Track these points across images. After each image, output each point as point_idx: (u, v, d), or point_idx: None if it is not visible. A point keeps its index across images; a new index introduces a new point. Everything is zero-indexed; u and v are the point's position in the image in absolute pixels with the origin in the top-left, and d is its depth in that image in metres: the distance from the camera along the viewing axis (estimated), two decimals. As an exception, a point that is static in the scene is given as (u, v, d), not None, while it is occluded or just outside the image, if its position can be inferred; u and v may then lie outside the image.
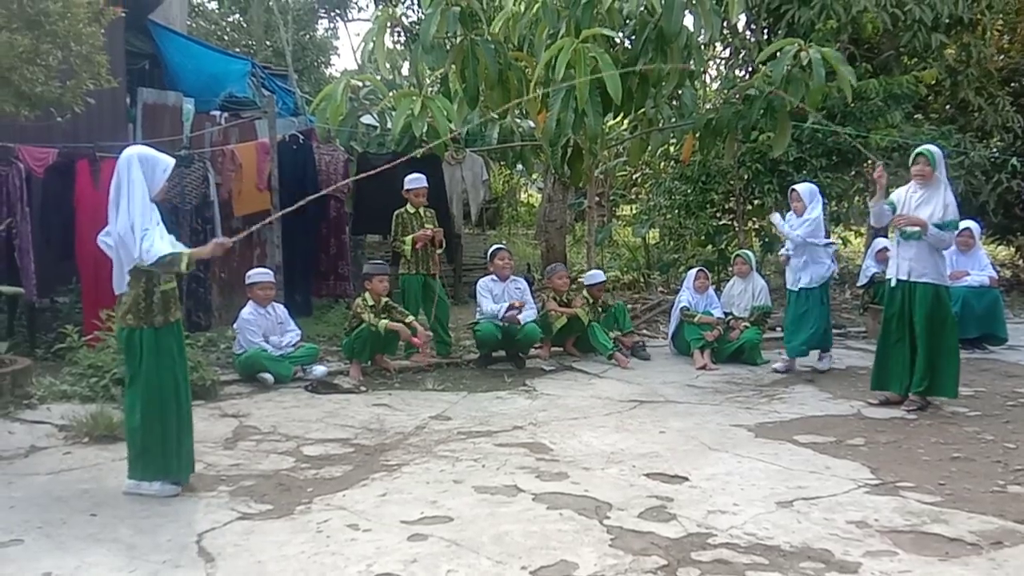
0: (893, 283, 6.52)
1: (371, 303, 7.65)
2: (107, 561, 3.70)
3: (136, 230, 4.34)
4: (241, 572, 3.57)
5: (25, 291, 7.48)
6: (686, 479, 4.85)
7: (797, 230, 7.95)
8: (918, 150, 6.50)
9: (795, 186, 8.33)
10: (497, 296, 8.28)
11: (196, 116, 9.55)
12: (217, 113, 10.01)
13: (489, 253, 8.81)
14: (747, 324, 8.65)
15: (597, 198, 11.96)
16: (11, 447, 5.35)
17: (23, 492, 4.60)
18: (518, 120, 10.52)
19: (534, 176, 19.22)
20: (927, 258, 6.34)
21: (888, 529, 4.08)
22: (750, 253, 9.20)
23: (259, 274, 7.66)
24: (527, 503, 4.44)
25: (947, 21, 12.45)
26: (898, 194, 6.57)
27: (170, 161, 4.58)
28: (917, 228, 6.27)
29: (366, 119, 10.30)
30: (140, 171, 4.43)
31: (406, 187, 8.29)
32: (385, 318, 7.56)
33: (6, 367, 6.10)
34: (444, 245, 8.59)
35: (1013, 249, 15.63)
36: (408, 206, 8.29)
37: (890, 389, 6.61)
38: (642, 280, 14.10)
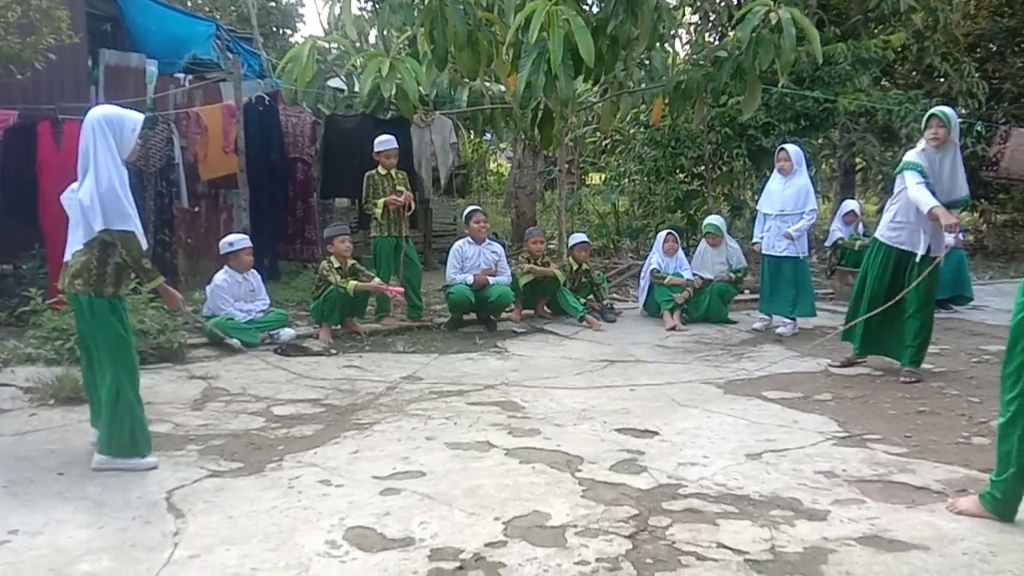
0: (892, 248, 6.22)
1: (337, 265, 7.58)
2: (75, 518, 3.65)
3: (113, 195, 4.19)
4: (212, 527, 3.54)
5: (-14, 255, 7.34)
6: (656, 433, 4.88)
7: (795, 225, 7.92)
8: (931, 111, 6.07)
9: (784, 146, 8.26)
10: (471, 259, 8.24)
11: (160, 78, 9.34)
12: (181, 75, 9.81)
13: (464, 215, 8.77)
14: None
15: (567, 165, 11.94)
16: (-26, 410, 5.26)
17: (-12, 453, 4.53)
18: (488, 83, 10.45)
19: (503, 145, 19.15)
20: (940, 233, 5.98)
21: (856, 479, 4.14)
22: (719, 222, 9.11)
23: (240, 240, 7.58)
24: (499, 458, 4.45)
25: (915, -14, 12.52)
26: (920, 160, 5.98)
27: (139, 118, 4.39)
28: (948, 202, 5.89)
29: (333, 82, 10.17)
30: (108, 132, 4.27)
31: (376, 149, 8.19)
32: (352, 279, 7.50)
33: (-32, 331, 5.99)
34: (413, 209, 8.51)
35: (977, 214, 15.85)
36: (379, 168, 8.19)
37: (867, 351, 6.47)
38: (612, 246, 14.13)
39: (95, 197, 4.17)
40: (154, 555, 3.28)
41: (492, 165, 24.18)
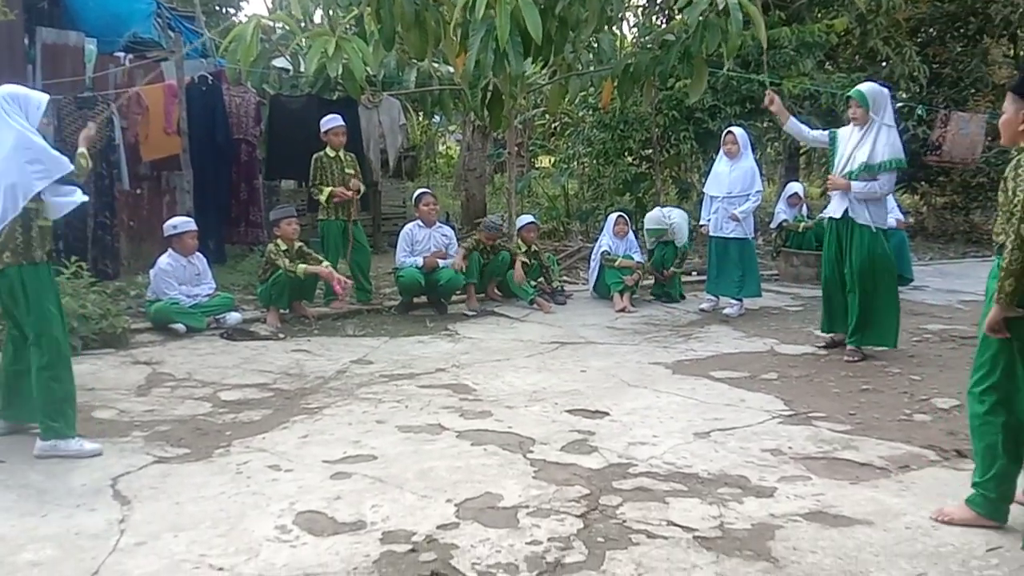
0: (828, 223, 6.39)
1: (284, 248, 7.47)
2: (18, 506, 3.58)
3: (26, 147, 4.12)
4: (159, 514, 3.48)
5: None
6: (607, 414, 4.92)
7: (741, 207, 8.01)
8: (848, 92, 6.33)
9: (731, 128, 8.37)
10: (421, 242, 8.19)
11: (99, 57, 9.07)
12: (121, 54, 9.54)
13: (414, 197, 8.70)
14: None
15: (516, 148, 11.91)
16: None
17: (-78, 443, 4.40)
18: (436, 64, 10.36)
19: (453, 127, 19.06)
20: (864, 199, 6.11)
21: (801, 456, 4.22)
22: (675, 216, 9.21)
23: (185, 222, 7.42)
24: (451, 440, 4.44)
25: (858, -30, 12.67)
26: (842, 132, 6.34)
27: (43, 97, 4.35)
28: (863, 165, 6.05)
29: (278, 62, 10.00)
30: (14, 106, 4.17)
31: (324, 128, 8.08)
32: (300, 263, 7.41)
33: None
34: (361, 192, 8.42)
35: (918, 196, 16.18)
36: (328, 149, 8.07)
37: (836, 330, 6.52)
38: (562, 229, 14.16)
39: (17, 167, 4.10)
40: (100, 543, 3.22)
41: (441, 147, 24.05)
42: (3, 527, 3.37)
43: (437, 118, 17.45)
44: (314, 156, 8.09)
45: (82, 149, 4.59)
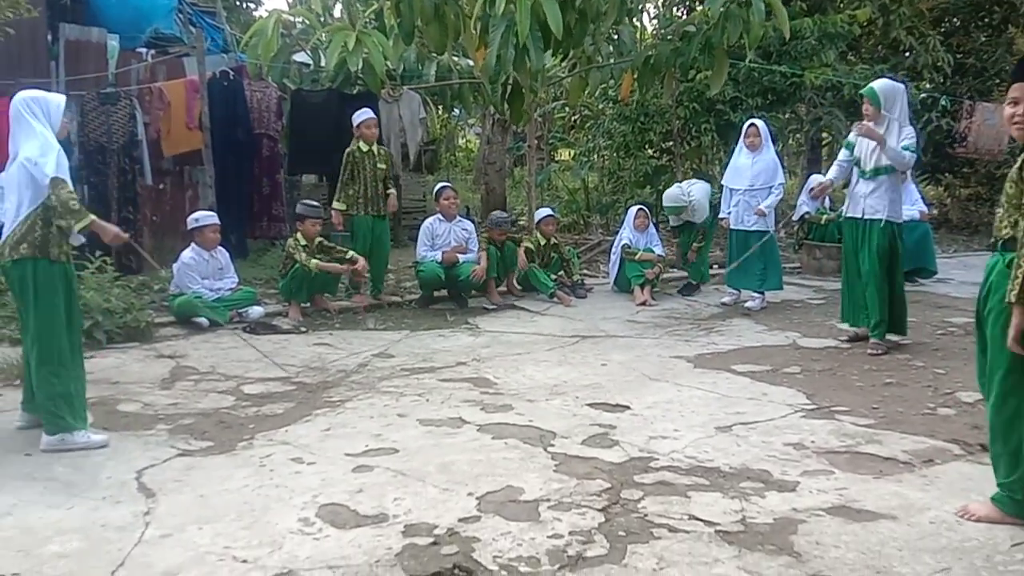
0: (849, 220, 6.42)
1: (304, 243, 7.51)
2: (44, 499, 3.62)
3: (41, 154, 4.20)
4: (183, 506, 3.52)
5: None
6: (628, 408, 4.91)
7: (765, 201, 7.97)
8: (862, 90, 6.42)
9: (753, 120, 8.29)
10: (441, 236, 8.20)
11: (121, 53, 9.15)
12: (143, 50, 9.60)
13: (435, 192, 8.71)
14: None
15: (536, 141, 11.91)
16: (-62, 391, 5.18)
17: (-48, 435, 4.46)
18: (456, 58, 10.37)
19: (472, 121, 19.05)
20: (884, 195, 6.18)
21: (824, 450, 4.19)
22: (695, 192, 9.07)
23: (207, 216, 7.48)
24: (472, 434, 4.45)
25: (881, -41, 12.54)
26: (854, 134, 6.42)
27: (61, 98, 4.46)
28: (877, 167, 6.17)
29: (299, 56, 10.03)
30: (35, 109, 4.31)
31: (356, 122, 8.01)
32: (319, 258, 7.44)
33: (-72, 311, 5.88)
34: (397, 207, 8.41)
35: (942, 188, 16.03)
36: (361, 144, 8.01)
37: (859, 324, 6.50)
38: (582, 222, 14.14)
39: (32, 157, 4.19)
40: (125, 535, 3.25)
41: (461, 141, 24.05)
42: (30, 519, 3.41)
43: (457, 112, 17.43)
44: (346, 151, 8.05)
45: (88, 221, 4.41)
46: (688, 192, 8.92)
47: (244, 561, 3.04)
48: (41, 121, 4.31)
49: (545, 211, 9.22)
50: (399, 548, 3.13)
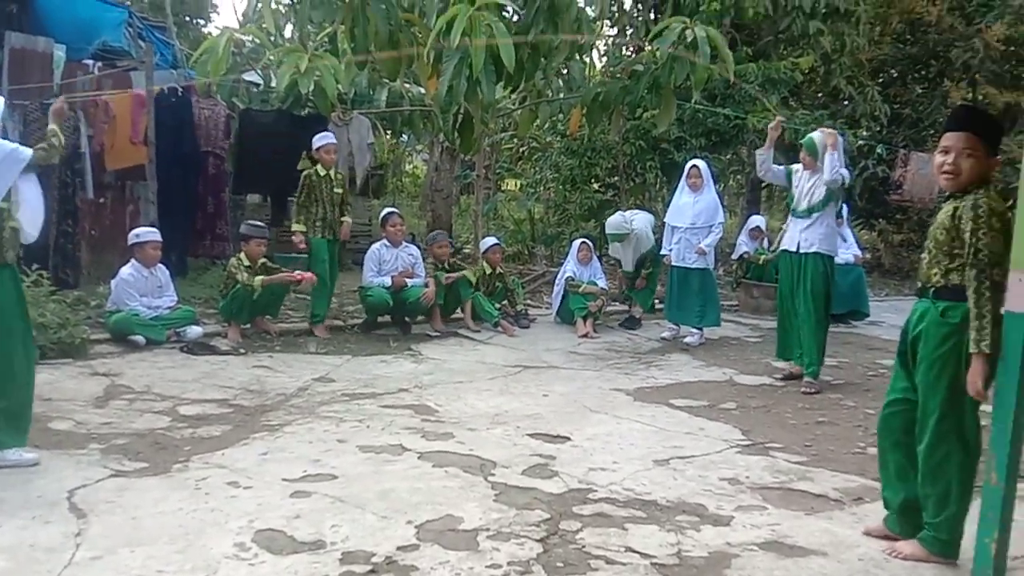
0: (785, 255, 6.70)
1: (247, 264, 7.44)
2: (-31, 518, 3.51)
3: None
4: (115, 528, 3.45)
5: None
6: (568, 439, 4.96)
7: (705, 240, 8.18)
8: (802, 140, 6.77)
9: (695, 162, 8.49)
10: (388, 262, 8.18)
11: (67, 64, 9.00)
12: (90, 62, 9.47)
13: (381, 218, 8.71)
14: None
15: (484, 170, 11.99)
16: None
17: None
18: (407, 85, 10.41)
19: (419, 147, 19.08)
20: (818, 229, 6.46)
21: (758, 486, 4.28)
22: (637, 222, 9.18)
23: (148, 233, 7.36)
24: (413, 461, 4.45)
25: (824, 10, 12.94)
26: (796, 169, 6.74)
27: (1, 100, 4.41)
28: (810, 207, 6.48)
29: (249, 75, 9.99)
30: None
31: (316, 146, 7.96)
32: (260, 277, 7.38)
33: None
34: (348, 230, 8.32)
35: (875, 233, 16.52)
36: (319, 167, 7.94)
37: (792, 360, 6.70)
38: (527, 252, 14.24)
39: None
40: (55, 556, 3.18)
41: (408, 167, 24.06)
42: (-45, 538, 3.31)
43: (405, 137, 17.48)
44: (304, 173, 7.99)
45: (52, 126, 4.52)
46: (630, 221, 9.03)
47: (177, 586, 2.99)
48: None
49: (491, 240, 9.28)
50: (336, 575, 3.11)
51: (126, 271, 7.13)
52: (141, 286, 7.15)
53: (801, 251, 6.51)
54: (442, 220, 14.27)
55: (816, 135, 6.62)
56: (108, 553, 3.22)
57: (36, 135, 7.88)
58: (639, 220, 9.09)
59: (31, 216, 4.38)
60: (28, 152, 4.22)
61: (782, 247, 6.82)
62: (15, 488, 3.86)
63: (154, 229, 7.49)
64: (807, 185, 6.57)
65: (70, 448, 4.45)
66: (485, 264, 9.00)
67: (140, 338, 6.85)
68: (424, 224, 15.41)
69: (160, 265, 7.38)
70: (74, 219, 8.23)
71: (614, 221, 9.11)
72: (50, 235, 8.01)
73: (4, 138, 4.42)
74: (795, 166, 6.80)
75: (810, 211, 6.50)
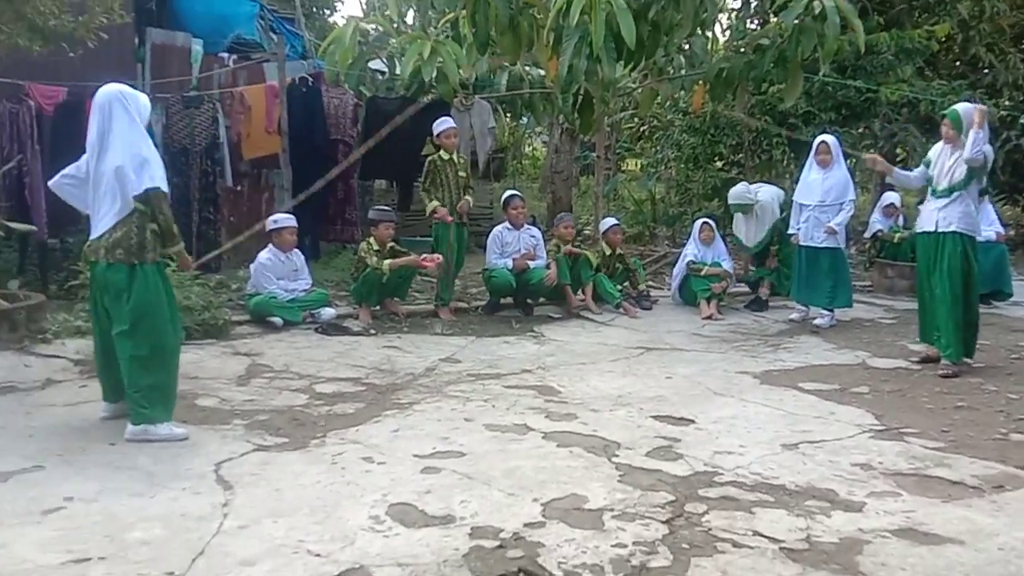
0: (922, 236, 6.40)
1: (376, 248, 7.68)
2: (128, 487, 3.78)
3: (141, 159, 4.37)
4: (259, 499, 3.65)
5: (36, 229, 7.53)
6: (692, 421, 4.93)
7: (836, 218, 7.90)
8: (944, 112, 6.41)
9: (824, 137, 8.19)
10: (510, 244, 8.28)
11: (204, 57, 9.48)
12: (225, 55, 9.93)
13: (503, 200, 8.81)
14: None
15: (604, 151, 11.95)
16: (27, 380, 5.43)
17: (41, 422, 4.69)
18: (527, 68, 10.47)
19: (539, 129, 19.15)
20: (957, 208, 6.16)
21: (892, 472, 4.15)
22: (762, 194, 8.95)
23: (285, 219, 7.69)
24: (537, 441, 4.52)
25: (962, -26, 12.30)
26: (934, 151, 6.42)
27: (146, 98, 4.64)
28: (951, 186, 6.16)
29: (374, 63, 10.24)
30: (127, 107, 4.44)
31: (436, 131, 8.09)
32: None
33: (21, 302, 6.16)
34: (470, 207, 8.32)
35: (1020, 208, 15.61)
36: (441, 152, 8.06)
37: (932, 343, 6.41)
38: (648, 233, 14.12)
39: (127, 165, 4.34)
40: (204, 525, 3.39)
41: (527, 149, 24.16)
42: (114, 506, 3.56)
43: (524, 120, 17.58)
44: (428, 159, 8.12)
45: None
46: (755, 192, 8.84)
47: (317, 555, 3.14)
48: (136, 118, 4.46)
49: (611, 221, 9.24)
50: (466, 549, 3.20)
51: (264, 256, 7.48)
52: (278, 270, 7.48)
53: (939, 230, 6.21)
54: (562, 202, 14.31)
55: (961, 107, 6.26)
56: (253, 523, 3.41)
57: (176, 127, 8.37)
58: (765, 192, 8.89)
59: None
60: (158, 184, 4.44)
61: (919, 228, 6.47)
62: (166, 461, 4.13)
63: (290, 215, 7.81)
64: (948, 163, 6.20)
65: (215, 424, 4.72)
66: (605, 245, 8.98)
67: (278, 319, 7.18)
68: (544, 206, 15.47)
69: (296, 249, 7.70)
70: (214, 206, 8.65)
71: (737, 191, 8.92)
72: (193, 221, 8.47)
73: (148, 132, 4.70)
74: (932, 149, 6.46)
75: (951, 190, 6.17)
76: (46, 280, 7.81)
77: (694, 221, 9.66)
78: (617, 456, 4.29)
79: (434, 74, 8.37)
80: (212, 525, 3.39)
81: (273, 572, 2.99)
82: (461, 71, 8.70)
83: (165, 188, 4.48)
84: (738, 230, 9.08)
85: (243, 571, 3.00)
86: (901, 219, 10.68)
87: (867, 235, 10.92)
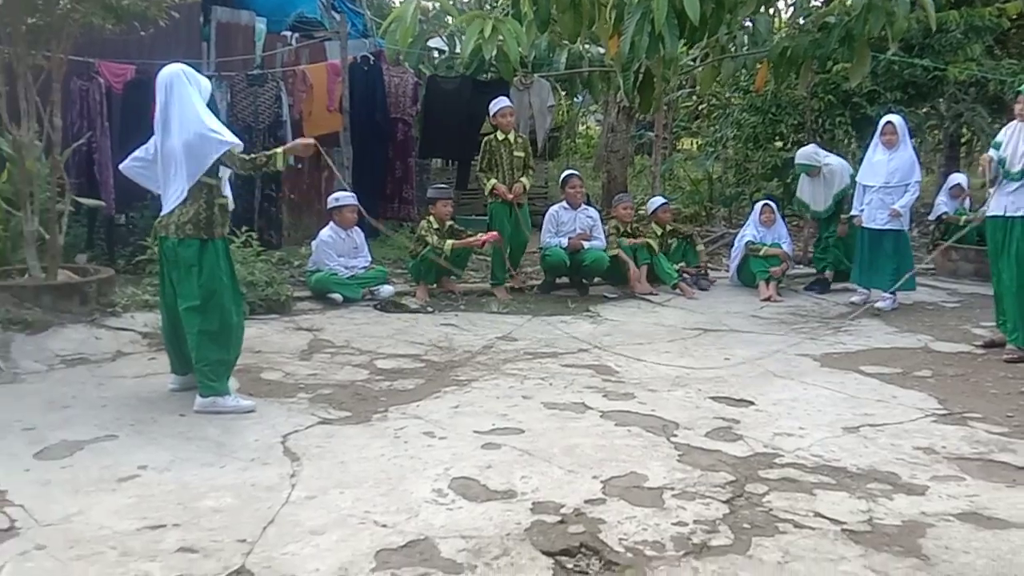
0: (991, 220, 6.27)
1: (436, 226, 7.74)
2: (198, 457, 3.91)
3: (211, 129, 4.45)
4: (325, 471, 3.74)
5: (105, 205, 7.74)
6: (752, 403, 4.91)
7: (900, 200, 7.75)
8: (1020, 87, 6.22)
9: (890, 117, 8.02)
10: (566, 224, 8.28)
11: (267, 36, 9.60)
12: (288, 33, 10.04)
13: (560, 179, 8.81)
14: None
15: (661, 129, 11.85)
16: (98, 352, 5.60)
17: (113, 393, 4.84)
18: (587, 46, 10.42)
19: (593, 107, 19.02)
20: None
21: (955, 456, 4.11)
22: (832, 159, 8.84)
23: (346, 197, 7.78)
24: (595, 419, 4.55)
25: (1036, -52, 11.86)
26: (1004, 133, 6.25)
27: (207, 80, 4.72)
28: (1020, 168, 5.99)
29: (434, 42, 10.28)
30: (188, 84, 4.53)
31: (492, 111, 8.14)
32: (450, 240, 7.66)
33: (91, 276, 6.35)
34: (527, 188, 8.28)
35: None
36: (498, 132, 8.09)
37: (1001, 330, 6.29)
38: (704, 213, 13.99)
39: (194, 141, 4.42)
40: (273, 494, 3.49)
41: (581, 127, 24.03)
42: (187, 475, 3.68)
43: (579, 98, 17.47)
44: (484, 139, 8.15)
45: (281, 152, 4.76)
46: (824, 156, 8.72)
47: (383, 526, 3.22)
48: (198, 93, 4.56)
49: (659, 200, 9.18)
50: (528, 524, 3.26)
51: (325, 233, 7.60)
52: (339, 247, 7.60)
53: (1008, 215, 6.07)
54: (617, 181, 14.22)
55: None
56: (320, 493, 3.50)
57: (241, 105, 8.51)
58: (834, 158, 8.80)
59: (228, 191, 4.75)
60: (236, 141, 4.54)
61: (989, 213, 6.32)
62: (235, 433, 4.24)
63: (351, 193, 7.90)
64: (1022, 144, 6.02)
65: (280, 397, 4.84)
66: (655, 226, 8.91)
67: (338, 296, 7.30)
68: (599, 185, 15.39)
69: (356, 227, 7.80)
70: (276, 184, 8.79)
71: (806, 151, 8.81)
72: (256, 199, 8.62)
73: (213, 111, 4.81)
74: (1003, 131, 6.28)
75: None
76: (113, 255, 8.04)
77: (752, 202, 9.56)
78: (676, 436, 4.30)
79: (494, 52, 8.37)
80: (281, 495, 3.48)
81: (341, 541, 3.08)
82: (520, 49, 8.69)
83: (239, 143, 4.56)
84: (802, 192, 8.91)
85: (312, 540, 3.09)
86: (967, 201, 10.43)
87: (932, 217, 10.68)
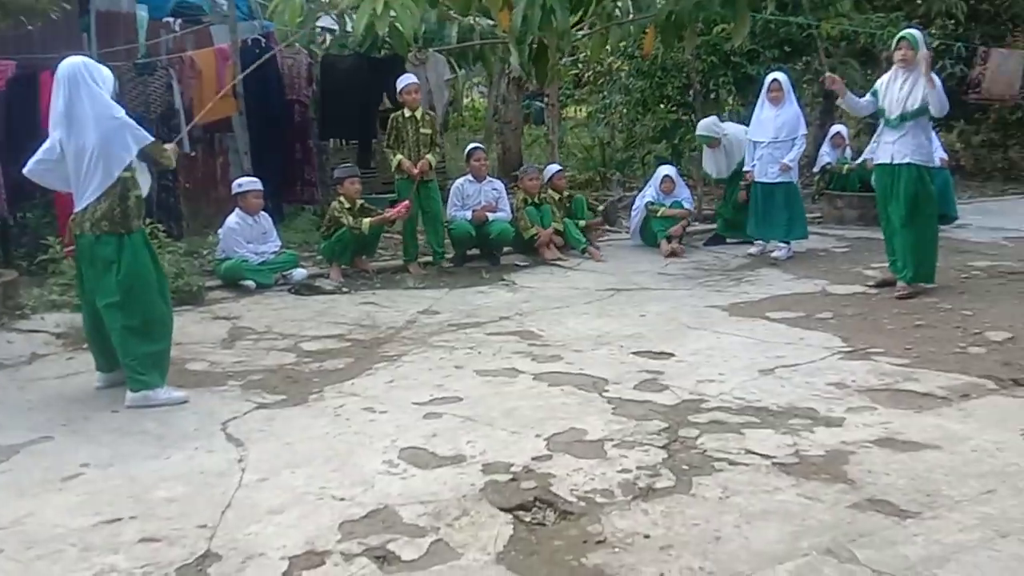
0: (879, 168, 6.69)
1: (347, 206, 7.73)
2: (140, 450, 3.88)
3: (119, 124, 4.40)
4: (273, 453, 3.78)
5: (-4, 206, 7.43)
6: (672, 355, 5.15)
7: (789, 154, 8.16)
8: (899, 34, 6.58)
9: (775, 75, 8.42)
10: (472, 196, 8.38)
11: (150, 23, 9.29)
12: (171, 20, 9.75)
13: (465, 153, 8.87)
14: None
15: (555, 99, 12.02)
16: (12, 355, 5.43)
17: (37, 395, 4.72)
18: (477, 19, 10.46)
19: (477, 80, 19.04)
20: (910, 140, 6.42)
21: (865, 388, 4.43)
22: (730, 128, 9.20)
23: (250, 182, 7.67)
24: (528, 382, 4.70)
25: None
26: (881, 82, 6.64)
27: (108, 71, 4.62)
28: (903, 114, 6.38)
29: (323, 21, 10.15)
30: (89, 77, 4.41)
31: (398, 88, 8.12)
32: (364, 219, 7.66)
33: (-6, 279, 6.12)
34: (433, 166, 8.31)
35: (955, 135, 16.09)
36: (404, 110, 8.09)
37: (892, 270, 6.72)
38: (599, 179, 14.27)
39: (108, 135, 4.36)
40: (225, 480, 3.51)
41: (466, 101, 24.00)
42: (132, 469, 3.65)
43: (463, 71, 17.50)
44: (391, 116, 8.14)
45: (171, 148, 4.87)
46: (722, 127, 9.07)
47: (341, 499, 3.29)
48: (102, 87, 4.45)
49: (554, 167, 9.30)
50: (482, 484, 3.38)
51: (232, 220, 7.48)
52: (247, 233, 7.50)
53: (895, 162, 6.47)
54: (512, 152, 14.36)
55: (914, 31, 6.55)
56: (272, 475, 3.54)
57: (130, 96, 8.24)
58: (732, 126, 9.16)
59: (143, 180, 4.66)
60: (147, 136, 4.55)
61: (876, 161, 6.75)
62: (173, 424, 4.22)
63: (255, 178, 7.79)
64: (899, 91, 6.41)
65: (210, 385, 4.81)
66: (552, 192, 9.04)
67: (251, 283, 7.22)
68: (494, 157, 15.49)
69: (263, 212, 7.71)
70: (172, 173, 8.52)
71: (705, 123, 9.13)
72: (153, 189, 8.35)
73: (117, 103, 4.70)
74: (880, 80, 6.69)
75: (903, 118, 6.39)
76: (9, 256, 7.72)
77: (643, 163, 9.82)
78: (607, 391, 4.50)
79: (387, 29, 8.34)
80: (232, 480, 3.51)
81: (303, 518, 3.14)
82: (412, 24, 8.67)
83: (150, 137, 4.58)
84: (707, 165, 9.30)
85: (273, 519, 3.14)
86: (848, 150, 10.99)
87: (816, 167, 11.21)
